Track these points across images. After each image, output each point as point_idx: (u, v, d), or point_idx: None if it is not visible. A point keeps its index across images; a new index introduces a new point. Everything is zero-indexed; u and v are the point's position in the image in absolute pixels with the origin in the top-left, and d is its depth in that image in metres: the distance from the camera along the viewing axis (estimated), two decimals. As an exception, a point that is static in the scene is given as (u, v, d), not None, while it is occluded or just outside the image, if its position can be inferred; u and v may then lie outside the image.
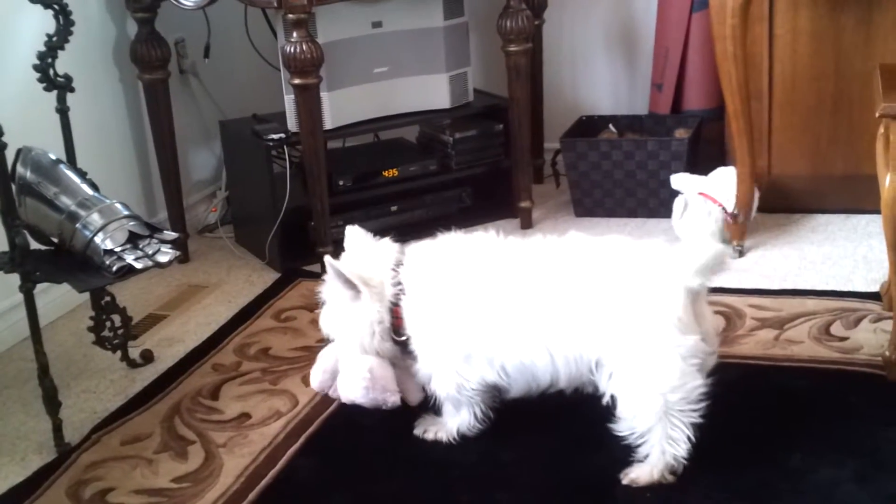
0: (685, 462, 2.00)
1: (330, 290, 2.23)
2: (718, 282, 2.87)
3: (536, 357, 2.06)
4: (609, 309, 1.98)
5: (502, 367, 2.10)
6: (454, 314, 2.10)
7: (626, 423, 2.00)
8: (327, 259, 2.17)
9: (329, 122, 3.24)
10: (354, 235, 2.27)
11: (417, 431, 2.25)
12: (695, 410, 1.98)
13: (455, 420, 2.20)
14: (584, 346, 2.02)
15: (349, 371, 2.24)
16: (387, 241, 2.25)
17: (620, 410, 2.00)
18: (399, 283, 2.15)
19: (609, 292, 1.99)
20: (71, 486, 2.18)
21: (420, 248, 2.21)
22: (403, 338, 2.17)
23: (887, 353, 2.32)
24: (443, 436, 2.21)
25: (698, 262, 1.98)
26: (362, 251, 2.24)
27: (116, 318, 2.68)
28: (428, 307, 2.13)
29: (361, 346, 2.20)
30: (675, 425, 1.98)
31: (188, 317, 3.01)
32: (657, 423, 1.98)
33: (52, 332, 2.90)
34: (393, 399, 2.24)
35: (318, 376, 2.36)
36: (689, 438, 1.99)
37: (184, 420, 2.41)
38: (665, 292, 1.97)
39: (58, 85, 2.53)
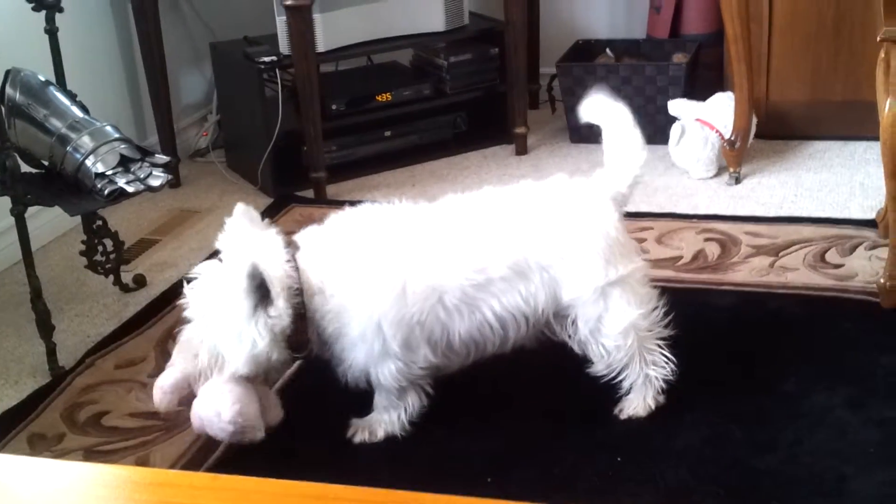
0: (672, 381, 2.00)
1: (210, 294, 1.84)
2: (714, 209, 2.90)
3: (484, 322, 1.89)
4: (545, 253, 1.89)
5: (447, 344, 1.90)
6: (387, 298, 1.83)
7: (604, 363, 1.96)
8: (252, 263, 1.75)
9: (322, 45, 3.19)
10: (242, 215, 1.90)
11: (358, 439, 1.99)
12: (662, 331, 1.98)
13: (400, 409, 1.97)
14: (531, 297, 1.89)
15: (212, 407, 1.84)
16: (271, 229, 1.90)
17: (594, 353, 1.95)
18: (299, 283, 1.82)
19: (540, 236, 1.89)
20: (66, 408, 2.19)
21: (316, 234, 1.92)
22: (304, 352, 1.89)
23: (882, 281, 2.32)
24: (385, 432, 1.98)
25: (617, 175, 1.97)
26: (246, 239, 1.86)
27: (108, 243, 2.66)
28: (351, 298, 1.84)
29: (254, 363, 1.83)
30: (651, 349, 1.97)
31: (181, 242, 3.00)
32: (635, 353, 1.95)
33: (44, 255, 2.89)
34: (260, 435, 1.89)
35: (159, 395, 1.92)
36: (666, 356, 1.98)
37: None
38: (598, 220, 1.91)
39: (46, 5, 2.49)
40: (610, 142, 2.01)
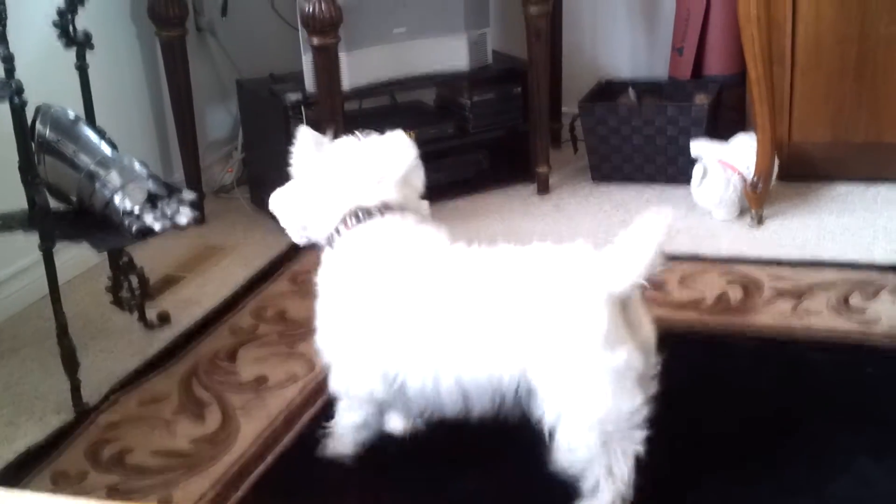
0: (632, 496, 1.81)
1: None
2: (737, 250, 2.90)
3: (439, 380, 1.82)
4: (522, 327, 1.75)
5: (400, 386, 1.86)
6: (353, 309, 1.89)
7: (563, 457, 1.77)
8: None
9: (347, 83, 3.22)
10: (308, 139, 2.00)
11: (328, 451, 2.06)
12: (638, 436, 1.76)
13: (347, 418, 2.00)
14: (495, 371, 1.77)
15: None
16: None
17: (557, 443, 1.76)
18: (336, 240, 1.93)
19: (520, 308, 1.75)
20: (90, 445, 2.20)
21: (368, 227, 1.92)
22: None
23: (906, 326, 2.31)
24: (338, 447, 2.03)
25: (625, 263, 1.72)
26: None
27: (134, 279, 2.67)
28: (337, 288, 1.94)
29: None
30: (617, 457, 1.76)
31: (205, 278, 3.02)
32: (597, 456, 1.76)
33: (70, 291, 2.90)
34: None
35: None
36: (632, 472, 1.78)
37: (201, 382, 2.42)
38: (585, 303, 1.72)
39: (77, 42, 2.52)
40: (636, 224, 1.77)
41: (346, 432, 2.03)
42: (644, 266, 1.71)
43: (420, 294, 1.84)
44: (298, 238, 2.03)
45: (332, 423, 2.06)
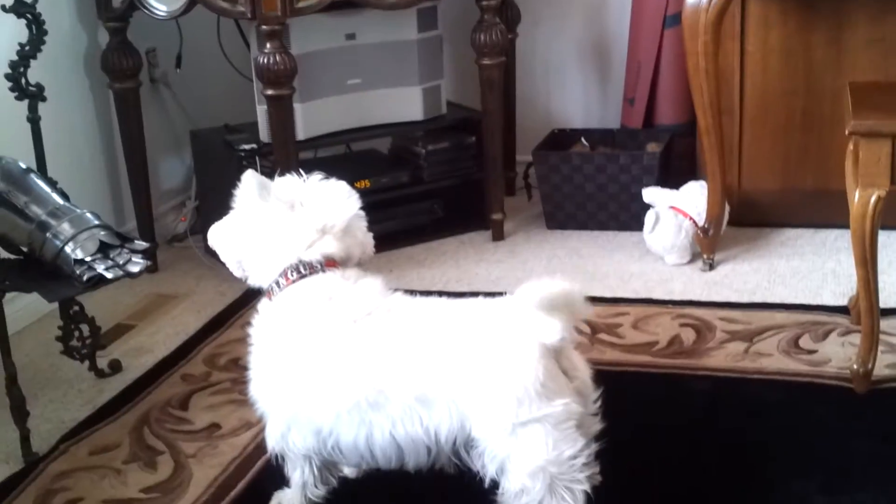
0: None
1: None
2: (689, 294, 2.93)
3: (372, 436, 1.82)
4: (461, 381, 1.75)
5: (335, 445, 1.86)
6: (287, 365, 1.87)
7: (509, 502, 1.76)
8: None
9: (301, 133, 3.24)
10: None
11: None
12: (583, 476, 1.76)
13: (295, 476, 1.98)
14: (432, 425, 1.77)
15: None
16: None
17: (504, 490, 1.76)
18: (275, 292, 1.91)
19: (458, 362, 1.75)
20: (39, 496, 2.16)
21: (308, 283, 1.89)
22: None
23: (855, 367, 2.34)
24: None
25: (549, 313, 1.71)
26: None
27: (85, 328, 2.65)
28: (269, 348, 1.91)
29: None
30: (564, 499, 1.75)
31: (157, 327, 2.99)
32: (544, 499, 1.75)
33: (19, 341, 2.86)
34: None
35: None
36: None
37: (153, 430, 2.39)
38: (521, 355, 1.73)
39: (29, 94, 2.52)
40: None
41: (295, 489, 1.99)
42: (567, 322, 1.72)
43: (352, 350, 1.82)
44: (237, 272, 2.01)
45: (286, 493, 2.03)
